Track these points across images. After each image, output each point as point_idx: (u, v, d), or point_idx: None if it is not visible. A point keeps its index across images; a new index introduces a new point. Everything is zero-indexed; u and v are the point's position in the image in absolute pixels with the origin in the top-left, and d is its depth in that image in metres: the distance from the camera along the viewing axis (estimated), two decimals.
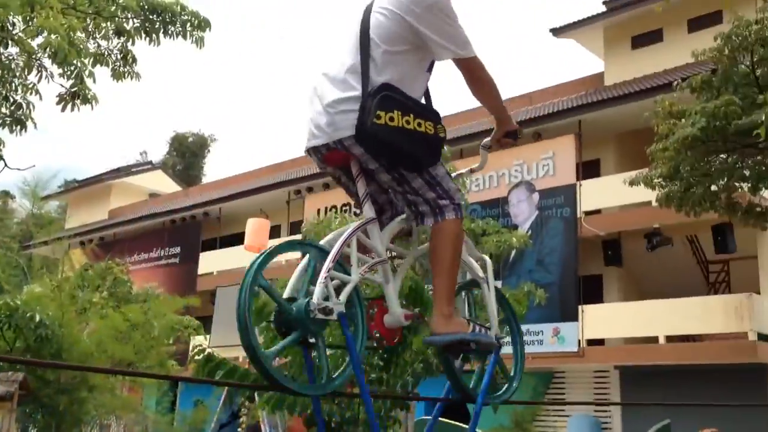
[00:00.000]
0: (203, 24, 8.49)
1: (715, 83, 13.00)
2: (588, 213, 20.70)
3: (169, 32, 8.41)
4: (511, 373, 3.09)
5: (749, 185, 14.16)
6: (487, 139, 3.08)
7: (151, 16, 8.26)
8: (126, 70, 8.54)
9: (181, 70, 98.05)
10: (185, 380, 4.81)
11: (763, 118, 10.74)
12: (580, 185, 20.75)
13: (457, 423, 14.93)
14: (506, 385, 3.10)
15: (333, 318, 2.39)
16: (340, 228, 2.69)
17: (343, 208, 24.37)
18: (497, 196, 22.15)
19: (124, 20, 8.32)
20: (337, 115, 2.54)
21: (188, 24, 8.42)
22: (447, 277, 2.58)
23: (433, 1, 2.58)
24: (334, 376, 2.49)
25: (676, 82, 14.09)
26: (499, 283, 18.19)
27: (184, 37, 8.41)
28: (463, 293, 2.97)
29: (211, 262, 29.64)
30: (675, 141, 12.94)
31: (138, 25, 8.40)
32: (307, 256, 2.57)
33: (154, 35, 8.39)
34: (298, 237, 18.91)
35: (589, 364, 20.23)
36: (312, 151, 2.69)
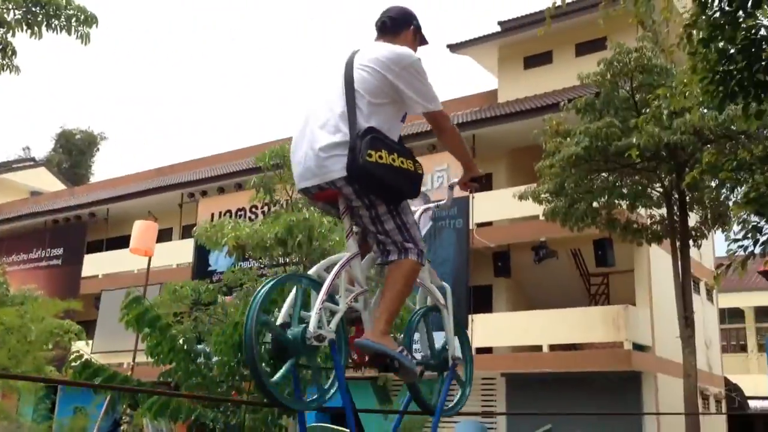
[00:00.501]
0: (90, 20, 8.15)
1: (597, 105, 13.73)
2: (480, 225, 21.30)
3: (53, 26, 8.06)
4: (464, 386, 3.55)
5: (627, 203, 15.04)
6: (454, 180, 3.66)
7: (33, 9, 7.90)
8: (5, 62, 8.13)
9: (70, 65, 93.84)
10: (65, 383, 4.62)
11: (634, 140, 11.42)
12: (473, 198, 21.33)
13: (344, 429, 15.03)
14: (459, 395, 3.53)
15: (325, 344, 2.73)
16: (327, 259, 3.01)
17: (238, 213, 24.05)
18: None
19: (4, 10, 7.92)
20: (329, 159, 2.87)
21: (73, 19, 8.09)
22: (393, 302, 2.94)
23: (408, 62, 3.03)
24: (321, 393, 2.87)
25: (563, 103, 14.80)
26: None
27: (69, 32, 8.07)
28: (422, 317, 3.34)
29: (96, 264, 28.45)
30: (561, 159, 13.56)
31: (19, 16, 8.01)
32: (296, 286, 2.84)
33: (36, 28, 8.01)
34: (190, 241, 18.49)
35: (477, 371, 20.41)
36: (303, 191, 3.05)
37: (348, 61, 3.02)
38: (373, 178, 2.82)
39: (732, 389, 25.02)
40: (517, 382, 20.25)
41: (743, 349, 30.70)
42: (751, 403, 24.96)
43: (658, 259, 19.35)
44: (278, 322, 2.76)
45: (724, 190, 11.97)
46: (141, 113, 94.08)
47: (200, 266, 24.16)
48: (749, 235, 5.05)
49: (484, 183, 3.65)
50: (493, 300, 22.05)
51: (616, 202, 15.01)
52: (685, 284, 15.29)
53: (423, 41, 3.33)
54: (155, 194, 27.51)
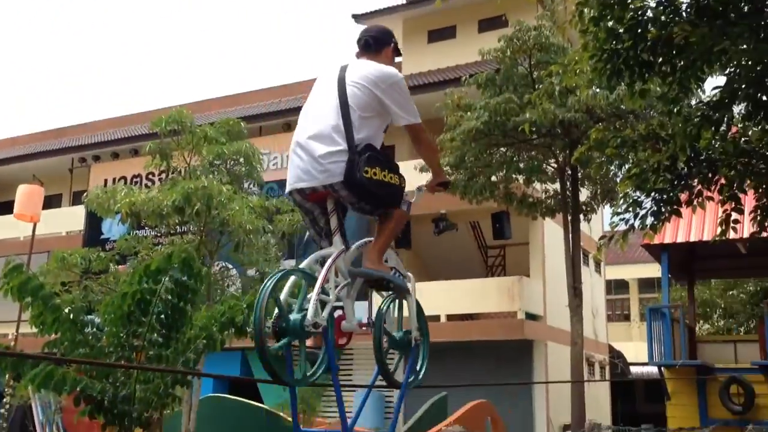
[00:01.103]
0: None
1: (497, 81, 14.02)
2: None
3: None
4: (421, 362, 3.91)
5: (524, 177, 15.50)
6: (422, 184, 4.07)
7: None
8: None
9: None
10: None
11: (528, 116, 11.74)
12: None
13: (247, 400, 14.97)
14: (420, 371, 3.93)
15: (319, 331, 3.15)
16: (316, 254, 3.39)
17: (133, 180, 23.24)
18: None
19: None
20: (330, 165, 3.28)
21: None
22: (386, 237, 3.53)
23: (394, 81, 3.50)
24: (310, 372, 3.29)
25: (464, 78, 15.01)
26: (292, 262, 18.37)
27: None
28: (392, 301, 3.76)
29: None
30: (461, 132, 13.80)
31: None
32: (293, 277, 3.24)
33: None
34: (81, 207, 17.73)
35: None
36: (297, 191, 3.43)
37: (340, 78, 3.47)
38: (368, 191, 3.33)
39: (615, 356, 26.47)
40: None
41: (627, 318, 32.50)
42: (633, 369, 26.50)
43: (552, 233, 20.11)
44: (276, 312, 3.14)
45: (612, 168, 12.53)
46: (24, 74, 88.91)
47: (92, 234, 23.22)
48: (630, 209, 5.31)
49: (449, 187, 3.98)
50: None
51: (514, 176, 15.43)
52: (575, 256, 15.97)
53: (398, 54, 3.86)
54: (43, 158, 26.17)
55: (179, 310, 6.25)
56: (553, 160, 15.41)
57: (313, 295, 3.14)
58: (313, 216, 3.54)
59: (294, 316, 3.13)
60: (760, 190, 5.34)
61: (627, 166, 5.74)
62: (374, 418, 20.19)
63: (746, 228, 6.41)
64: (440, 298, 20.04)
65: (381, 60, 3.61)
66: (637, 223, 5.43)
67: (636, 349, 28.78)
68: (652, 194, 5.24)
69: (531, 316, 19.72)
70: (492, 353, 19.64)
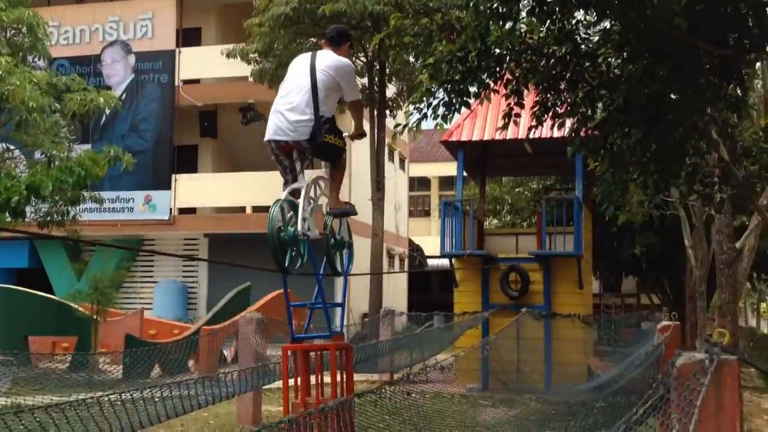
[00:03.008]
0: None
1: None
2: (186, 82, 20.44)
3: None
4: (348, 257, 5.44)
5: None
6: (347, 133, 5.18)
7: None
8: None
9: None
10: None
11: (341, 5, 11.55)
12: (180, 52, 20.30)
13: (37, 292, 14.14)
14: (347, 265, 5.42)
15: (306, 238, 4.74)
16: (290, 187, 4.88)
17: None
18: (89, 53, 20.49)
19: None
20: (300, 127, 4.72)
21: None
22: (338, 183, 5.15)
23: (349, 70, 4.97)
24: (299, 265, 4.82)
25: None
26: (87, 146, 17.11)
27: None
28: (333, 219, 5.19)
29: None
30: (270, 18, 13.31)
31: None
32: (284, 202, 4.75)
33: None
34: None
35: (180, 231, 20.57)
36: (274, 141, 4.85)
37: (312, 65, 4.83)
38: (323, 149, 4.83)
39: (415, 249, 27.99)
40: (220, 242, 20.49)
41: (427, 214, 34.28)
42: (430, 261, 28.23)
43: None
44: (276, 227, 4.62)
45: (418, 64, 12.74)
46: None
47: None
48: (424, 98, 5.45)
49: (364, 136, 5.60)
50: (198, 160, 21.65)
51: None
52: (379, 151, 16.37)
53: (351, 47, 5.62)
54: None
55: None
56: (362, 54, 15.41)
57: (300, 214, 4.72)
58: (281, 159, 4.97)
59: (290, 229, 4.70)
60: (541, 87, 5.69)
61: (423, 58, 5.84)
62: (176, 309, 20.02)
63: (525, 123, 6.89)
64: (246, 189, 19.85)
65: (340, 52, 4.98)
66: (429, 113, 5.59)
67: (434, 243, 30.46)
68: (445, 85, 5.39)
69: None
70: None
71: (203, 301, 20.59)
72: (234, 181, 20.24)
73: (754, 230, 9.59)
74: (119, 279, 17.84)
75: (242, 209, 20.19)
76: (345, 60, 4.94)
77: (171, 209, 20.14)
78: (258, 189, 19.76)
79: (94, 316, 12.16)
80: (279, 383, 11.76)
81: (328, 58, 4.83)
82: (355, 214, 5.25)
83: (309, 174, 5.04)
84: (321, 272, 5.18)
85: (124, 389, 5.16)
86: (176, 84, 20.19)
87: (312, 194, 4.92)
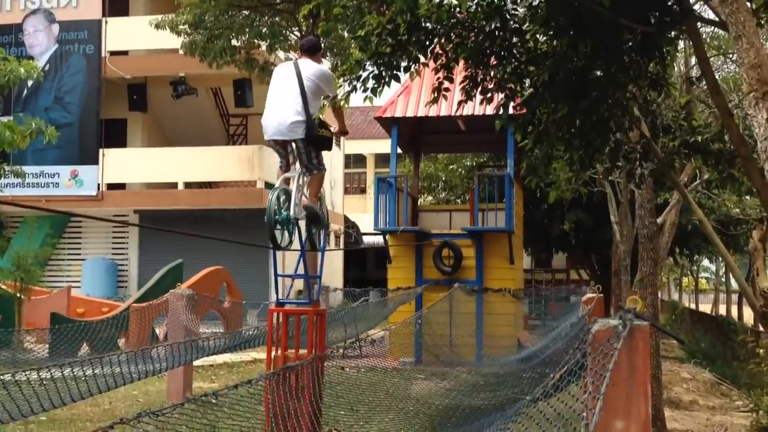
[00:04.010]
0: None
1: None
2: (114, 53, 19.81)
3: None
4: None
5: (267, 44, 15.15)
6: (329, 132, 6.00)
7: None
8: None
9: None
10: None
11: None
12: (107, 22, 19.63)
13: None
14: (321, 241, 6.66)
15: (296, 220, 5.64)
16: (283, 176, 5.86)
17: None
18: (10, 22, 19.62)
19: None
20: (296, 127, 5.65)
21: None
22: (316, 189, 5.99)
23: (330, 76, 5.93)
24: (289, 242, 5.75)
25: None
26: (8, 118, 16.42)
27: None
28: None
29: None
30: None
31: None
32: (280, 190, 5.67)
33: None
34: None
35: (108, 208, 20.02)
36: (274, 140, 5.82)
37: (297, 73, 5.72)
38: (316, 141, 5.75)
39: (350, 226, 28.00)
40: (150, 219, 20.05)
41: (363, 191, 34.30)
42: (366, 239, 28.32)
43: None
44: (272, 210, 5.50)
45: (347, 35, 12.64)
46: None
47: None
48: (353, 70, 5.42)
49: (347, 134, 6.83)
50: (127, 135, 21.07)
51: (256, 41, 15.03)
52: None
53: (323, 55, 8.38)
54: None
55: None
56: (296, 28, 15.22)
57: (293, 200, 5.62)
58: (280, 151, 5.94)
59: (284, 212, 5.58)
60: (470, 62, 5.73)
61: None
62: (106, 287, 19.56)
63: (457, 99, 6.95)
64: (178, 165, 19.45)
65: (315, 59, 5.97)
66: (359, 86, 5.56)
67: (370, 220, 30.55)
68: (375, 58, 5.37)
69: (270, 186, 19.94)
70: (231, 221, 19.69)
71: (134, 279, 20.16)
72: (165, 157, 19.79)
73: (674, 206, 9.94)
74: (44, 256, 17.31)
75: (174, 185, 19.78)
76: (324, 68, 6.12)
77: (99, 185, 19.59)
78: (190, 164, 19.39)
79: (18, 294, 11.76)
80: (212, 360, 11.67)
81: (311, 67, 5.82)
82: (325, 222, 6.30)
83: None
84: (324, 245, 6.68)
85: (47, 367, 5.01)
86: (103, 55, 19.54)
87: (301, 182, 5.88)
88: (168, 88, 19.50)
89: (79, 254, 20.72)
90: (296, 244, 5.80)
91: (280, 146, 5.82)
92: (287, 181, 5.81)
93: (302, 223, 5.84)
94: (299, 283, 6.40)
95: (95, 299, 16.08)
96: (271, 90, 5.84)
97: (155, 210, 19.47)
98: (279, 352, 5.55)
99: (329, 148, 5.95)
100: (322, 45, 16.09)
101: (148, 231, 20.37)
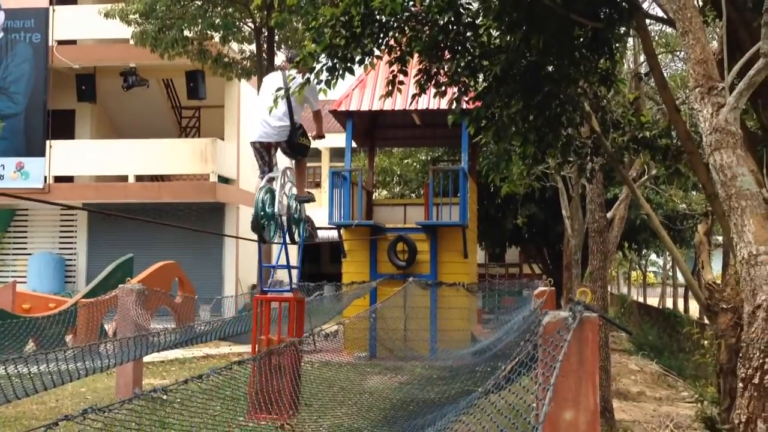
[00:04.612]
0: None
1: None
2: (62, 42, 19.30)
3: None
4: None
5: (220, 35, 14.93)
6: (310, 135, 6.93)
7: None
8: None
9: None
10: None
11: None
12: (54, 10, 19.11)
13: None
14: (301, 236, 7.10)
15: (280, 216, 6.52)
16: (267, 176, 6.57)
17: None
18: None
19: None
20: (281, 131, 6.52)
21: None
22: (302, 179, 6.93)
23: (313, 88, 5.91)
24: (272, 236, 6.59)
25: None
26: None
27: None
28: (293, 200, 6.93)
29: None
30: None
31: None
32: (265, 189, 6.43)
33: None
34: None
35: (55, 201, 19.51)
36: (259, 142, 6.62)
37: (285, 83, 6.21)
38: (297, 148, 6.63)
39: (305, 220, 27.78)
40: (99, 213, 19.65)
41: (318, 185, 34.12)
42: (321, 233, 28.17)
43: (248, 95, 19.97)
44: (259, 207, 6.29)
45: (301, 27, 12.53)
46: None
47: None
48: (307, 62, 5.36)
49: (323, 138, 7.29)
50: (75, 126, 20.56)
51: (209, 32, 14.79)
52: None
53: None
54: None
55: None
56: (250, 20, 15.03)
57: (277, 198, 6.40)
58: (262, 154, 6.65)
59: (269, 209, 6.29)
60: (424, 56, 5.73)
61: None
62: (53, 282, 19.09)
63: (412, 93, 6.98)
64: (129, 157, 19.07)
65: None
66: (312, 78, 5.51)
67: (324, 214, 30.47)
68: (328, 50, 5.32)
69: (224, 180, 19.72)
70: (184, 215, 19.42)
71: (82, 274, 19.72)
72: (115, 149, 19.37)
73: (624, 201, 10.14)
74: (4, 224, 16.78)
75: (124, 178, 19.39)
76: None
77: (46, 177, 19.08)
78: (141, 157, 19.02)
79: None
80: (163, 356, 11.47)
81: (297, 79, 6.40)
82: (314, 200, 7.14)
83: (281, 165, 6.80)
84: (302, 239, 7.03)
85: None
86: (50, 44, 19.03)
87: (283, 181, 6.62)
88: (118, 79, 19.08)
89: (25, 248, 20.18)
90: (300, 239, 6.84)
91: (264, 149, 6.59)
92: (271, 181, 6.54)
93: (284, 219, 6.60)
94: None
95: (42, 294, 15.66)
96: (260, 97, 6.76)
97: (105, 203, 19.06)
98: (263, 335, 6.31)
99: (304, 155, 6.87)
100: (277, 38, 16.00)
101: (97, 225, 19.93)
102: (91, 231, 19.99)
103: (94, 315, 11.14)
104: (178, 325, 11.23)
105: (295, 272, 6.78)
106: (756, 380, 2.67)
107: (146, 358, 8.99)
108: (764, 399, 2.67)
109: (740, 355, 2.78)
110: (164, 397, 3.11)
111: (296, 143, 6.46)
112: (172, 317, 12.73)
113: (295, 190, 6.86)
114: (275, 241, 6.57)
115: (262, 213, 6.17)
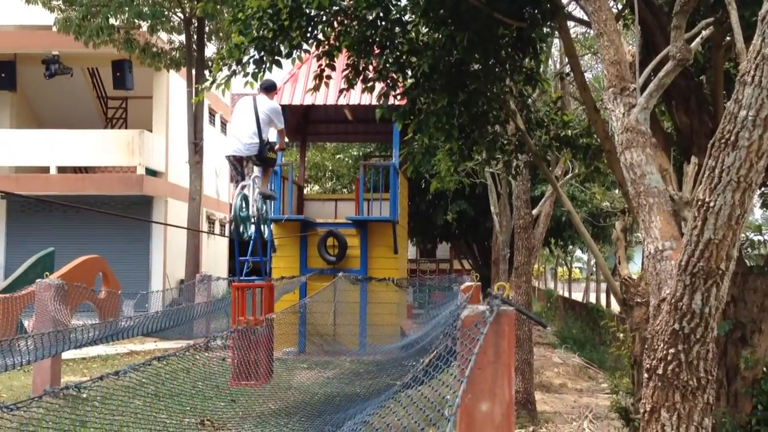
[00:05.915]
0: None
1: None
2: None
3: None
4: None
5: (148, 24, 14.58)
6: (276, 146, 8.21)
7: None
8: None
9: None
10: None
11: None
12: None
13: None
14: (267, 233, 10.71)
15: (254, 218, 8.02)
16: (242, 184, 7.82)
17: None
18: None
19: None
20: (251, 147, 7.76)
21: None
22: (268, 177, 8.40)
23: (279, 111, 8.10)
24: (250, 233, 8.13)
25: None
26: None
27: None
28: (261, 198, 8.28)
29: None
30: None
31: None
32: (240, 196, 7.87)
33: None
34: None
35: None
36: (233, 156, 7.92)
37: (254, 107, 7.72)
38: (266, 161, 7.82)
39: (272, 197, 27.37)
40: (19, 204, 18.92)
41: None
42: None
43: (177, 87, 19.56)
44: (236, 210, 7.74)
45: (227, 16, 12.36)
46: None
47: None
48: (233, 54, 5.29)
49: (285, 149, 8.90)
50: None
51: (136, 21, 14.42)
52: (197, 113, 15.81)
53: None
54: None
55: None
56: (179, 10, 14.73)
57: (251, 202, 7.70)
58: (236, 166, 7.81)
59: (243, 213, 7.63)
60: (353, 50, 5.74)
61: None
62: None
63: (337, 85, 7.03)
64: (51, 148, 18.43)
65: (270, 96, 8.00)
66: (239, 70, 5.45)
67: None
68: (255, 42, 5.27)
69: (152, 172, 19.27)
70: (109, 209, 18.85)
71: (0, 269, 18.97)
72: (36, 139, 18.68)
73: (549, 198, 10.39)
74: None
75: (46, 169, 18.72)
76: (275, 104, 8.09)
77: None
78: (64, 148, 18.40)
79: None
80: (84, 353, 11.13)
81: (266, 104, 7.83)
82: (276, 199, 9.29)
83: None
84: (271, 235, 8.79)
85: None
86: None
87: (253, 188, 7.80)
88: (40, 67, 18.39)
89: None
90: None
91: (237, 161, 7.82)
92: (244, 188, 7.77)
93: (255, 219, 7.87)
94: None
95: None
96: (234, 117, 7.97)
97: (25, 195, 18.35)
98: (240, 316, 7.50)
99: (273, 166, 8.38)
100: (207, 29, 15.75)
101: (16, 217, 19.19)
102: (10, 223, 19.25)
103: (11, 310, 10.73)
104: (100, 321, 10.93)
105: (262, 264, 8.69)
106: (660, 371, 2.77)
107: (67, 355, 8.71)
108: (668, 389, 2.78)
109: (646, 346, 2.89)
110: (83, 395, 3.01)
111: (265, 157, 7.68)
112: (95, 313, 12.38)
113: (259, 191, 8.15)
114: (249, 239, 7.97)
115: (241, 216, 7.64)
